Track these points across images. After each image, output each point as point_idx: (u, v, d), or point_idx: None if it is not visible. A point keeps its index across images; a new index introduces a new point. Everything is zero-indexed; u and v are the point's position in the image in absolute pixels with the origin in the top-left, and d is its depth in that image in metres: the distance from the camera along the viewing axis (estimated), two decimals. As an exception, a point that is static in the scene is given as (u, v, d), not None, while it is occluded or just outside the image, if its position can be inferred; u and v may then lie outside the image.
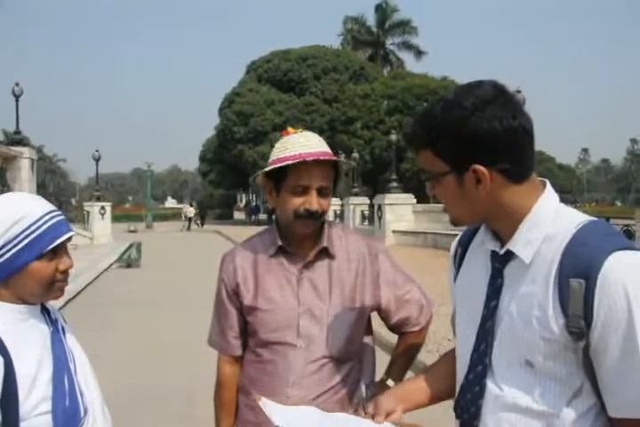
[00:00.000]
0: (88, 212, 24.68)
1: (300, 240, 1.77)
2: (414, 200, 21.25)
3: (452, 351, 1.44)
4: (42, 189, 35.04)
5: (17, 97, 18.76)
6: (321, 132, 32.49)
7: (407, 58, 49.41)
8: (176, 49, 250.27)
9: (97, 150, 26.78)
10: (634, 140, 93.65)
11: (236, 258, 1.83)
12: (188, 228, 37.84)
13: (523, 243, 1.19)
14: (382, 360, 1.93)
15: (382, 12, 47.41)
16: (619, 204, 70.54)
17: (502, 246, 1.23)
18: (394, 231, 20.34)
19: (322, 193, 1.70)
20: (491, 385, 1.22)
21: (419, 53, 47.71)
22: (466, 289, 1.34)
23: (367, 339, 1.85)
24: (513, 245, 1.20)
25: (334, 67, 38.45)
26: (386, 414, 1.36)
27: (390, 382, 1.82)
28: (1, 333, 1.26)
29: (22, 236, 1.30)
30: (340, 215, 26.05)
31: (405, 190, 22.11)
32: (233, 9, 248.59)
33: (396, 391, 1.46)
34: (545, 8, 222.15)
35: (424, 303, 1.86)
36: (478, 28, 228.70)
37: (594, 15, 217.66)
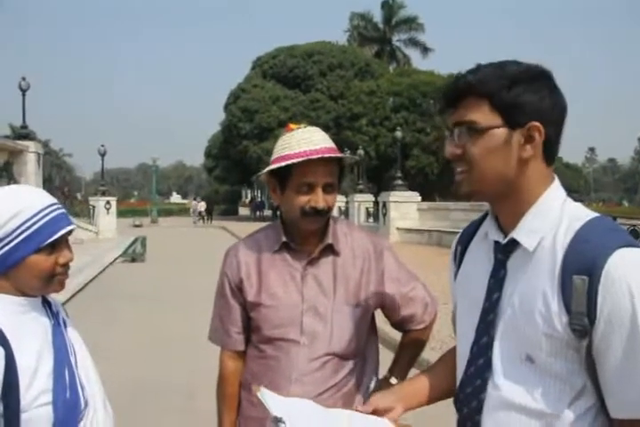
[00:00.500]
0: (93, 206, 24.72)
1: (305, 237, 1.76)
2: (419, 198, 21.24)
3: (452, 350, 1.43)
4: (48, 184, 35.11)
5: (23, 91, 18.79)
6: (326, 129, 32.11)
7: (413, 54, 49.57)
8: (182, 45, 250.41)
9: (102, 145, 26.82)
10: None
11: (239, 253, 1.82)
12: (203, 221, 39.75)
13: (527, 231, 1.18)
14: (386, 358, 1.92)
15: (389, 8, 47.29)
16: (626, 204, 70.22)
17: (506, 237, 1.22)
18: (398, 229, 20.33)
19: (327, 189, 1.68)
20: (492, 379, 1.20)
21: (425, 50, 47.60)
22: (467, 282, 1.33)
23: (371, 336, 1.85)
24: (517, 234, 1.20)
25: (340, 63, 38.37)
26: (384, 411, 1.35)
27: (394, 380, 1.81)
28: (1, 324, 1.26)
29: (20, 229, 1.29)
30: (345, 212, 26.04)
31: (410, 188, 22.09)
32: (239, 5, 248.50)
33: (397, 390, 1.45)
34: (550, 6, 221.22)
35: (428, 301, 1.85)
36: (485, 25, 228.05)
37: (600, 13, 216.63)
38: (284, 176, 1.68)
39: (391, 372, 1.85)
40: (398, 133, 24.36)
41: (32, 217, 1.30)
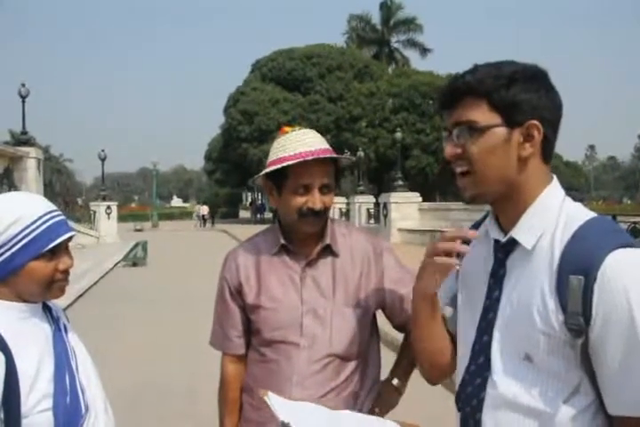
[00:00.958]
0: (94, 211, 24.79)
1: (303, 239, 1.76)
2: (420, 198, 21.24)
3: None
4: (48, 189, 35.18)
5: (23, 98, 18.84)
6: (326, 131, 32.69)
7: (412, 55, 49.52)
8: (181, 48, 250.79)
9: (103, 150, 26.89)
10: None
11: (238, 257, 1.83)
12: (204, 225, 40.42)
13: (525, 230, 1.19)
14: (387, 359, 1.92)
15: (387, 9, 47.32)
16: (627, 201, 70.21)
17: (506, 236, 1.23)
18: (399, 229, 20.33)
19: (324, 190, 1.69)
20: (492, 378, 1.21)
21: (424, 51, 47.61)
22: (468, 281, 1.34)
23: (372, 337, 1.84)
24: (516, 233, 1.21)
25: (339, 65, 38.41)
26: None
27: (396, 382, 1.80)
28: (2, 330, 1.27)
29: (20, 237, 1.30)
30: (346, 214, 26.03)
31: (411, 188, 22.10)
32: (236, 8, 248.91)
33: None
34: (550, 6, 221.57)
35: (429, 301, 1.84)
36: (484, 25, 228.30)
37: (600, 12, 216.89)
38: (280, 178, 1.69)
39: (393, 373, 1.84)
40: (398, 135, 24.37)
41: (31, 224, 1.31)
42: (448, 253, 1.24)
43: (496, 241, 1.26)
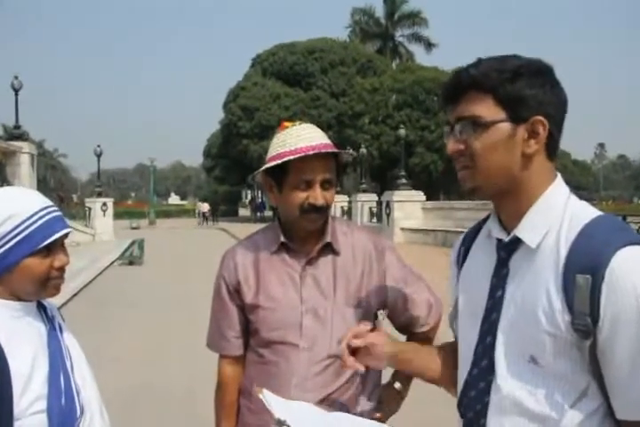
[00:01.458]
0: (90, 208, 24.78)
1: (304, 236, 1.75)
2: (423, 197, 21.23)
3: (450, 344, 1.45)
4: (42, 185, 35.17)
5: (16, 91, 18.83)
6: (328, 127, 32.63)
7: (417, 50, 49.53)
8: (180, 42, 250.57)
9: (99, 145, 26.88)
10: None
11: (237, 255, 1.82)
12: (205, 222, 41.19)
13: (529, 228, 1.19)
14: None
15: (391, 2, 47.21)
16: (638, 201, 70.06)
17: (509, 235, 1.23)
18: (402, 229, 20.33)
19: (325, 186, 1.69)
20: (496, 382, 1.20)
21: (429, 46, 47.52)
22: (469, 282, 1.34)
23: (373, 339, 1.84)
24: (520, 231, 1.20)
25: (342, 60, 38.36)
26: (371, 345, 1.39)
27: (397, 385, 1.80)
28: None
29: (14, 233, 1.29)
30: (348, 212, 26.03)
31: (414, 186, 22.09)
32: (237, 2, 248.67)
33: (397, 345, 1.44)
34: (560, 1, 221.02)
35: (433, 303, 1.84)
36: (490, 20, 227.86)
37: (613, 9, 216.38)
38: (280, 174, 1.69)
39: (395, 377, 1.84)
40: (402, 132, 24.33)
41: (26, 220, 1.30)
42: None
43: (499, 240, 1.26)
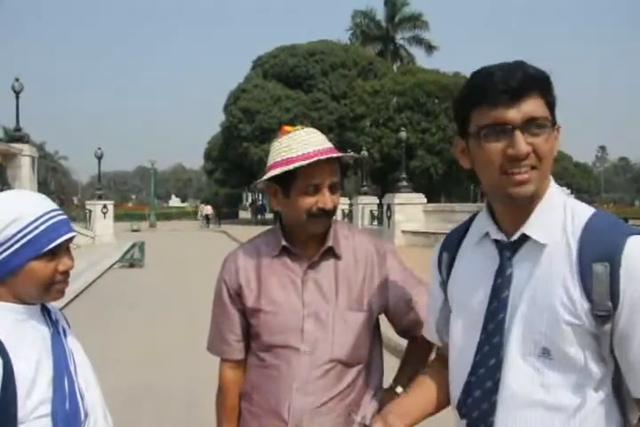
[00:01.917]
0: (90, 211, 24.76)
1: (305, 240, 1.76)
2: (425, 200, 21.21)
3: (437, 362, 1.52)
4: (43, 188, 35.20)
5: (17, 93, 18.82)
6: (329, 130, 32.63)
7: (418, 53, 49.44)
8: (179, 44, 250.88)
9: (99, 148, 26.87)
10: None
11: (238, 259, 1.82)
12: (207, 225, 41.31)
13: (538, 226, 1.24)
14: (391, 365, 1.91)
15: (392, 5, 47.26)
16: (639, 204, 69.97)
17: (508, 237, 1.27)
18: (403, 232, 20.31)
19: (332, 189, 1.70)
20: (505, 379, 1.23)
21: (430, 48, 47.56)
22: (465, 287, 1.36)
23: (375, 343, 1.84)
24: (528, 229, 1.24)
25: (342, 62, 38.39)
26: None
27: (399, 390, 1.79)
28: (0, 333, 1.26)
29: (18, 236, 1.29)
30: (349, 215, 26.02)
31: (415, 188, 22.07)
32: (237, 3, 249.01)
33: (396, 409, 1.45)
34: (558, 3, 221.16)
35: (434, 306, 1.84)
36: (492, 22, 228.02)
37: (613, 12, 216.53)
38: (287, 180, 1.68)
39: (397, 381, 1.84)
40: (403, 134, 24.33)
41: (32, 223, 1.30)
42: None
43: (497, 241, 1.29)
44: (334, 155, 1.67)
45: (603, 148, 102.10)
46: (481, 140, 1.21)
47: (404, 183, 21.73)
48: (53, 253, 1.34)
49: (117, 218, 29.66)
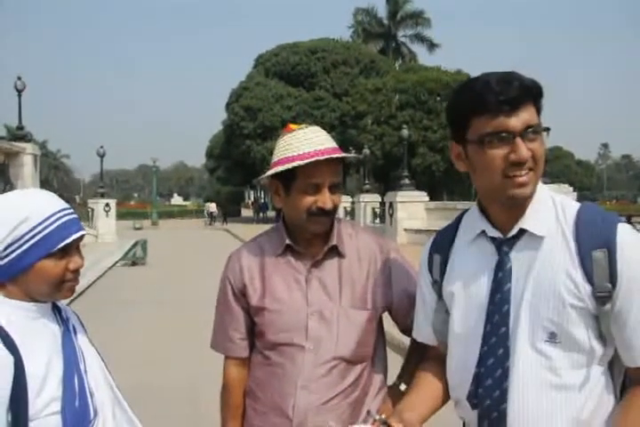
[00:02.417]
0: (92, 209, 24.80)
1: (309, 239, 1.77)
2: (427, 197, 21.17)
3: (433, 360, 1.56)
4: (45, 186, 35.24)
5: (19, 92, 18.79)
6: (331, 128, 32.58)
7: (420, 50, 49.25)
8: (182, 43, 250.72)
9: (101, 146, 26.86)
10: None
11: (242, 258, 1.83)
12: (212, 222, 41.55)
13: (534, 220, 1.35)
14: (394, 362, 1.92)
15: (394, 2, 47.18)
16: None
17: (504, 234, 1.37)
18: (406, 229, 20.29)
19: (333, 189, 1.70)
20: (515, 367, 1.31)
21: (432, 46, 47.48)
22: (463, 283, 1.43)
23: (378, 340, 1.85)
24: (525, 224, 1.35)
25: (344, 60, 38.33)
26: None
27: (403, 387, 1.80)
28: (11, 331, 1.27)
29: (30, 234, 1.31)
30: (351, 213, 26.01)
31: (417, 186, 22.03)
32: (240, 1, 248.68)
33: (408, 407, 1.48)
34: (560, 1, 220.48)
35: (437, 304, 1.84)
36: (494, 20, 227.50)
37: (614, 10, 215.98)
38: (288, 178, 1.69)
39: (400, 379, 1.85)
40: (404, 132, 24.26)
41: (42, 222, 1.31)
42: None
43: (493, 238, 1.38)
44: (333, 155, 1.67)
45: (605, 145, 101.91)
46: (484, 146, 1.29)
47: (406, 181, 21.67)
48: (64, 252, 1.35)
49: (120, 216, 29.69)
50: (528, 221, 1.35)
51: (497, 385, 1.33)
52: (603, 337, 1.30)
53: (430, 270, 1.54)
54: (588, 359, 1.30)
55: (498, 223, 1.39)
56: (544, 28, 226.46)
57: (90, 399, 1.37)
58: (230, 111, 39.27)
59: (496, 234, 1.38)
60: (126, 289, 11.91)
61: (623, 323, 1.29)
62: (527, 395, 1.30)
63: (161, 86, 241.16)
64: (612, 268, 1.27)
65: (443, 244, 1.52)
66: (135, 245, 17.05)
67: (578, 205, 1.37)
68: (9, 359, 1.23)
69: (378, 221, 23.56)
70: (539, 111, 1.33)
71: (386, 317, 1.86)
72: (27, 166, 18.35)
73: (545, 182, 1.41)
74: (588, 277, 1.28)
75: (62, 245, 1.33)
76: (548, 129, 1.33)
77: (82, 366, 1.40)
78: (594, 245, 1.29)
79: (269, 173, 1.72)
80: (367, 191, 26.12)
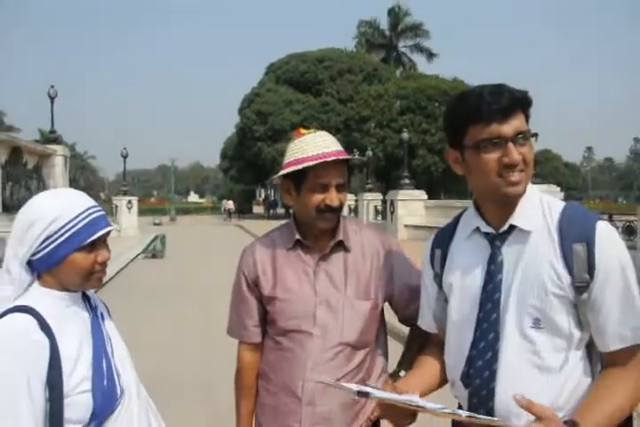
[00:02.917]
0: (116, 205, 24.90)
1: (318, 234, 1.79)
2: (425, 196, 21.16)
3: (433, 346, 1.59)
4: (74, 185, 35.40)
5: (52, 99, 18.89)
6: (336, 131, 32.58)
7: (419, 60, 49.11)
8: (199, 50, 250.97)
9: (125, 148, 26.97)
10: (637, 140, 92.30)
11: (255, 252, 1.85)
12: (230, 218, 41.57)
13: (523, 217, 1.39)
14: (394, 349, 1.94)
15: (395, 15, 47.07)
16: (622, 201, 69.51)
17: (496, 230, 1.40)
18: (406, 226, 20.27)
19: (339, 188, 1.73)
20: (503, 350, 1.34)
21: (430, 56, 47.34)
22: (461, 276, 1.46)
23: (380, 328, 1.87)
24: (515, 220, 1.38)
25: (349, 68, 38.32)
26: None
27: (403, 373, 1.82)
28: (47, 317, 1.31)
29: (63, 230, 1.34)
30: (355, 210, 26.00)
31: (416, 186, 22.01)
32: (252, 13, 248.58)
33: (403, 383, 1.50)
34: (550, 10, 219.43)
35: (435, 296, 1.85)
36: (487, 31, 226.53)
37: (596, 15, 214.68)
38: (299, 178, 1.72)
39: (400, 366, 1.87)
40: (405, 135, 24.22)
41: (73, 219, 1.35)
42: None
43: (487, 234, 1.42)
44: (340, 157, 1.69)
45: (589, 148, 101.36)
46: (480, 151, 1.34)
47: (407, 181, 21.65)
48: (92, 246, 1.38)
49: (141, 212, 29.75)
50: (517, 218, 1.39)
51: (487, 366, 1.36)
52: (581, 324, 1.34)
53: (432, 264, 1.58)
54: (568, 344, 1.33)
55: (491, 220, 1.43)
56: (534, 36, 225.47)
57: (117, 380, 1.40)
58: (243, 115, 39.34)
59: (489, 230, 1.43)
60: (147, 279, 11.97)
61: (597, 311, 1.32)
62: (513, 375, 1.33)
63: (179, 94, 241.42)
64: (591, 261, 1.31)
65: (443, 240, 1.56)
66: (155, 239, 17.13)
67: (563, 203, 1.42)
68: (46, 342, 1.27)
69: (380, 217, 23.56)
70: (527, 119, 1.37)
71: (386, 307, 1.87)
72: (58, 167, 18.45)
73: (535, 183, 1.44)
74: (569, 268, 1.32)
75: (92, 239, 1.37)
76: (536, 135, 1.37)
77: (109, 350, 1.43)
78: (575, 239, 1.33)
79: (282, 173, 1.74)
80: (370, 190, 26.11)
